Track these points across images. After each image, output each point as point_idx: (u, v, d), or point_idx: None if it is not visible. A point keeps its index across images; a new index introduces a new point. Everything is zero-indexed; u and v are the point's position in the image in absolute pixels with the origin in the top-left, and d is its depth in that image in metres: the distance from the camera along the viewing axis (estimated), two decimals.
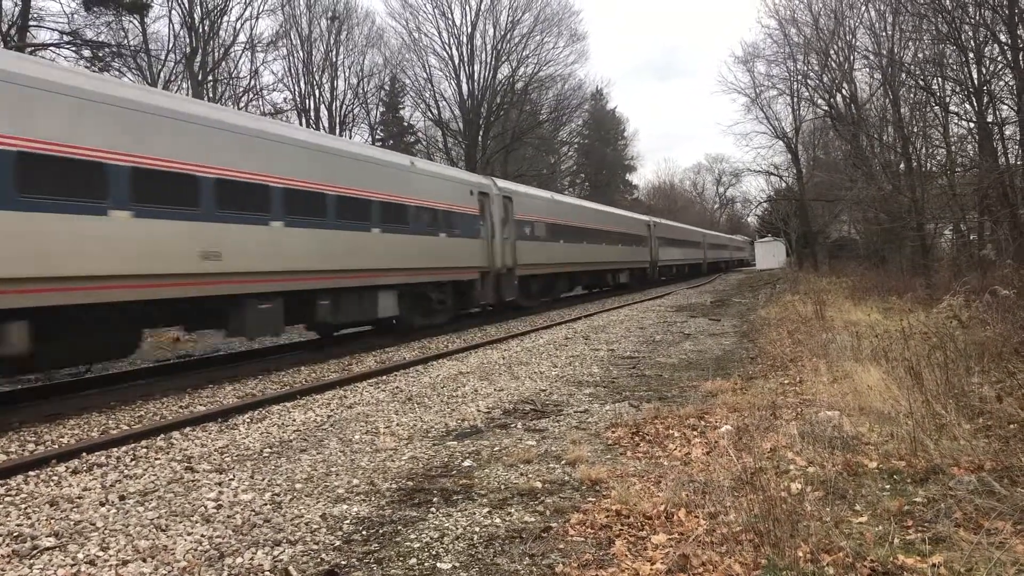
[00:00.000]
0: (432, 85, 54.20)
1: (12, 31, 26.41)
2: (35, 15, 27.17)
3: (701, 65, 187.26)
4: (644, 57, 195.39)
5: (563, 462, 6.65)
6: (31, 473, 7.05)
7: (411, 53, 53.39)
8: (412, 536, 5.01)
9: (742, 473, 5.11)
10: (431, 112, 55.49)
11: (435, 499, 5.79)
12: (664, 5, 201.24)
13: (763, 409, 7.82)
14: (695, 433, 7.36)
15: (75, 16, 28.78)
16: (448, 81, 54.29)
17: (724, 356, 13.51)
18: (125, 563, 4.72)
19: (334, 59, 48.45)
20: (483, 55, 53.63)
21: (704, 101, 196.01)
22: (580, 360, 13.45)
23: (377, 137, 53.57)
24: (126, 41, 33.48)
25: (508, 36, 53.64)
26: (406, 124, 59.08)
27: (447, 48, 53.40)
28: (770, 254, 72.73)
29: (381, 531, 5.14)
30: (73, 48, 28.15)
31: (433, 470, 6.64)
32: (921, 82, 21.69)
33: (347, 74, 49.91)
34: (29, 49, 25.28)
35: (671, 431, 7.50)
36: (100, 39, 30.51)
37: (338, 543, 4.94)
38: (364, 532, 5.13)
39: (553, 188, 48.11)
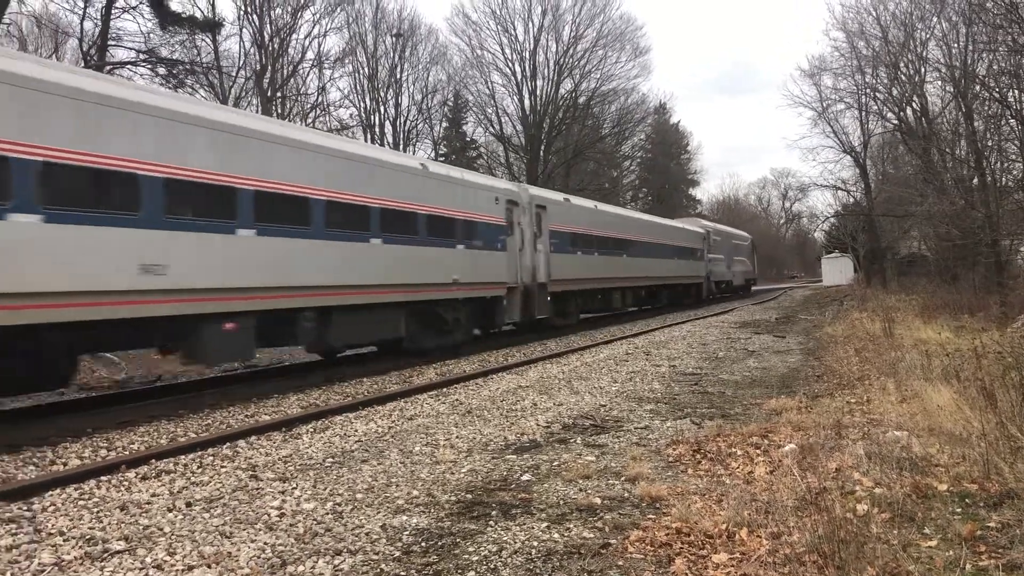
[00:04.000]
0: (495, 101, 54.79)
1: (92, 51, 27.42)
2: (114, 35, 28.17)
3: (766, 79, 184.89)
4: (709, 70, 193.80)
5: (623, 478, 6.60)
6: (103, 478, 7.25)
7: (474, 69, 54.08)
8: (471, 549, 5.02)
9: (806, 493, 5.02)
10: (493, 127, 56.05)
11: (494, 512, 5.80)
12: (729, 19, 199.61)
13: (829, 428, 7.65)
14: (758, 452, 7.23)
15: (151, 35, 29.76)
16: (510, 96, 54.78)
17: (789, 374, 13.28)
18: (191, 568, 4.82)
19: (399, 76, 49.22)
20: (545, 70, 53.99)
21: (769, 115, 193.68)
22: (641, 376, 13.35)
23: (440, 152, 54.13)
24: (199, 59, 34.49)
25: (571, 51, 53.91)
26: (468, 139, 59.64)
27: (509, 64, 53.92)
28: (837, 270, 71.23)
29: (440, 543, 5.16)
30: (149, 66, 29.09)
31: (492, 483, 6.65)
32: (996, 94, 21.15)
33: (411, 90, 50.68)
34: (108, 68, 26.20)
35: (734, 449, 7.39)
36: (174, 57, 31.48)
37: (397, 554, 4.97)
38: (423, 544, 5.16)
39: (614, 202, 47.73)
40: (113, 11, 27.53)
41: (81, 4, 27.57)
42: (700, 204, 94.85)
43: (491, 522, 5.57)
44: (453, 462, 7.44)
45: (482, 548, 5.03)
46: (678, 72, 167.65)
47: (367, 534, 5.38)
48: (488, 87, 54.47)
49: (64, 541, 5.41)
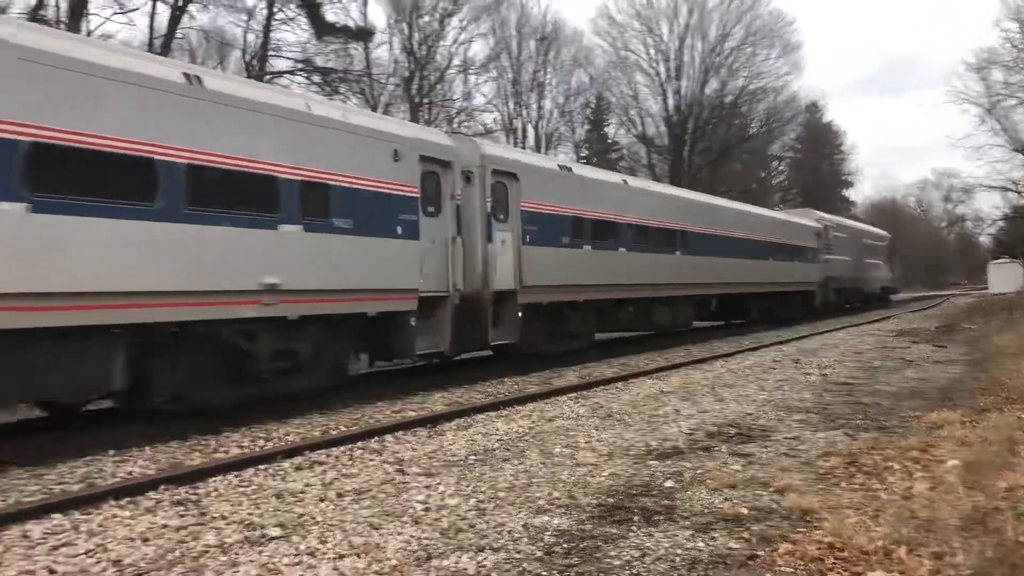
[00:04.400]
0: (637, 102, 54.59)
1: (254, 61, 29.13)
2: (273, 46, 29.93)
3: (925, 76, 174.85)
4: (864, 68, 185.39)
5: (771, 489, 6.38)
6: (260, 467, 7.64)
7: (617, 71, 54.01)
8: (612, 553, 4.98)
9: (973, 512, 4.70)
10: (635, 128, 55.75)
11: (635, 517, 5.72)
12: (886, 13, 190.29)
13: (998, 444, 7.14)
14: (918, 467, 6.84)
15: (308, 45, 31.32)
16: (654, 97, 54.42)
17: (951, 385, 12.50)
18: (341, 557, 5.00)
19: (542, 79, 49.69)
20: (691, 70, 53.29)
21: (928, 114, 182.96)
22: (790, 384, 12.89)
23: (581, 155, 54.15)
24: (351, 66, 35.97)
25: (717, 49, 52.93)
26: (610, 141, 59.39)
27: (653, 64, 53.55)
28: (1005, 277, 66.55)
29: (581, 545, 5.14)
30: (305, 74, 30.63)
31: (633, 488, 6.58)
32: None
33: (554, 93, 51.10)
34: (268, 76, 27.73)
35: (890, 463, 7.01)
36: (328, 65, 32.96)
37: (539, 554, 4.99)
38: (565, 545, 5.15)
39: (763, 203, 44.61)
40: (273, 23, 29.23)
41: (244, 17, 29.43)
42: (854, 205, 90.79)
43: (633, 527, 5.50)
44: (594, 465, 7.41)
45: (624, 553, 4.97)
46: (831, 69, 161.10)
47: (509, 532, 5.42)
48: (631, 88, 54.34)
49: (226, 525, 5.73)
